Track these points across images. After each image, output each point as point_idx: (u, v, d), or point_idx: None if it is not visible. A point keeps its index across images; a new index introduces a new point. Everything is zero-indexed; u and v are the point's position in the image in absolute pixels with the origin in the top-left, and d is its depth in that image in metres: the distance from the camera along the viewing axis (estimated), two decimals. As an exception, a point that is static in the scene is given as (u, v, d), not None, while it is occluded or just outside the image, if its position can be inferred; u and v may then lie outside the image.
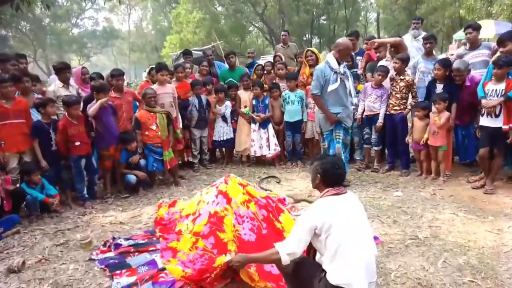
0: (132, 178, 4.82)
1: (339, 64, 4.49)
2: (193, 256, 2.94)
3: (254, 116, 5.86)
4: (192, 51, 10.39)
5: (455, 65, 4.82)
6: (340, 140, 4.68)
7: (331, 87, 4.46)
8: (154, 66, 6.03)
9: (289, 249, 2.14)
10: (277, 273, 2.66)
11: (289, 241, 2.19)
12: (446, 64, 4.82)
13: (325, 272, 2.12)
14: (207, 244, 2.99)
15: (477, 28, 5.10)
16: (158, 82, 5.32)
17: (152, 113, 4.95)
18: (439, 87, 4.85)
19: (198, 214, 3.29)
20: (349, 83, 4.58)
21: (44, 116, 4.37)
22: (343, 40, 4.72)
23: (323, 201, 2.24)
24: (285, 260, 2.14)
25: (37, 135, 4.29)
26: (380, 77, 5.13)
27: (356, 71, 5.74)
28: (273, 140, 5.82)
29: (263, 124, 5.86)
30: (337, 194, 2.24)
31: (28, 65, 6.62)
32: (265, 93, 5.94)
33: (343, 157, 4.57)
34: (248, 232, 3.03)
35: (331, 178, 2.30)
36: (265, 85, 6.03)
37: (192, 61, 7.05)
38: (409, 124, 5.32)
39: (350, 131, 4.84)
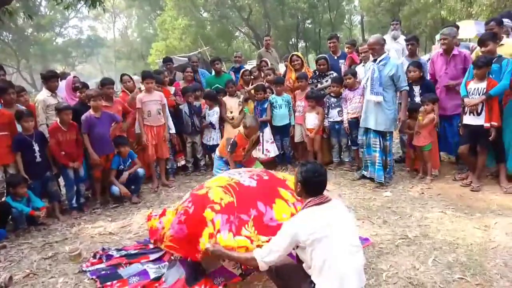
0: (116, 190, 4.77)
1: (375, 61, 4.67)
2: (173, 220, 2.78)
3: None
4: (178, 58, 10.37)
5: (442, 30, 4.99)
6: (377, 149, 4.76)
7: (362, 82, 4.88)
8: (125, 74, 6.05)
9: (267, 258, 2.15)
10: (275, 225, 2.58)
11: (268, 250, 2.17)
12: (419, 65, 4.93)
13: (314, 284, 2.09)
14: (185, 204, 2.78)
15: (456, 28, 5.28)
16: (145, 90, 5.31)
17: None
18: (416, 89, 4.95)
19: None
20: (369, 80, 4.63)
21: (23, 129, 4.30)
22: (370, 38, 4.91)
23: (306, 213, 2.19)
24: (263, 266, 2.15)
25: (18, 148, 4.22)
26: (349, 80, 5.25)
27: (332, 73, 5.80)
28: (266, 146, 5.80)
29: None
30: (320, 203, 2.19)
31: (12, 76, 6.49)
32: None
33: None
34: (247, 180, 2.87)
35: (312, 187, 2.24)
36: (251, 91, 6.04)
37: (173, 68, 7.03)
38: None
39: (388, 136, 4.76)
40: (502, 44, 4.55)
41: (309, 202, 2.22)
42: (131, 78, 5.77)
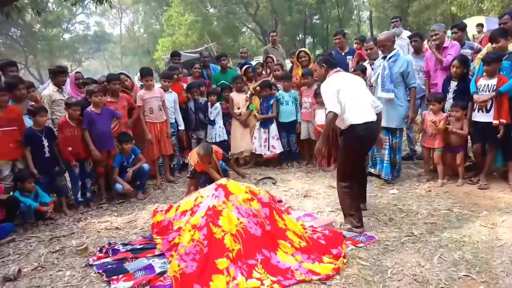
0: (119, 187, 4.80)
1: (384, 57, 4.60)
2: (189, 249, 2.94)
3: (257, 114, 5.87)
4: (184, 54, 10.35)
5: (432, 27, 4.99)
6: (387, 146, 4.66)
7: (372, 79, 4.88)
8: (122, 72, 6.00)
9: (332, 104, 3.28)
10: (283, 268, 2.82)
11: (328, 104, 3.32)
12: (464, 61, 4.61)
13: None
14: (200, 235, 2.99)
15: (463, 28, 5.27)
16: (145, 87, 5.34)
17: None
18: (453, 85, 4.66)
19: (198, 207, 3.34)
20: (379, 77, 4.57)
21: (35, 124, 4.35)
22: (381, 34, 4.86)
23: (333, 77, 3.51)
24: (338, 110, 3.26)
25: (28, 143, 4.27)
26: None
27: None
28: (272, 142, 5.80)
29: (264, 124, 5.84)
30: (338, 71, 3.56)
31: (20, 71, 6.54)
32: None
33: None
34: (253, 226, 3.09)
35: (331, 62, 3.63)
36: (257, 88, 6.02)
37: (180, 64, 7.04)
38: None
39: (397, 133, 4.71)
40: None
41: (331, 72, 3.56)
42: (128, 77, 5.77)
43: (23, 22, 28.51)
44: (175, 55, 7.21)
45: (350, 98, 3.36)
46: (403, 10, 20.93)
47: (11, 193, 4.12)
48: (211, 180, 4.28)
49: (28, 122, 4.42)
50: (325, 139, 3.47)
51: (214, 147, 4.64)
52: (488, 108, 4.21)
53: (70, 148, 4.48)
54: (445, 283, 2.59)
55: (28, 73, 32.10)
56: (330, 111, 3.27)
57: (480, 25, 8.99)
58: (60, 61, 35.16)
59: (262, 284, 2.67)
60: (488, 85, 4.21)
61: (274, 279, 2.71)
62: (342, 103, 3.30)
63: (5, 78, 4.67)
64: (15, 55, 30.28)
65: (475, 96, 4.30)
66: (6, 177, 4.17)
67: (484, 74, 4.26)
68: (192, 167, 4.49)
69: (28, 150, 4.27)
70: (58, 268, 3.19)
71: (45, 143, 4.35)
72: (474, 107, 4.34)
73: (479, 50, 5.32)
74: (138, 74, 6.52)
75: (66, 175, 4.79)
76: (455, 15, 15.83)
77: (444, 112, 4.65)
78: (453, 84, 4.67)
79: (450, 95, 4.69)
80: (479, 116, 4.30)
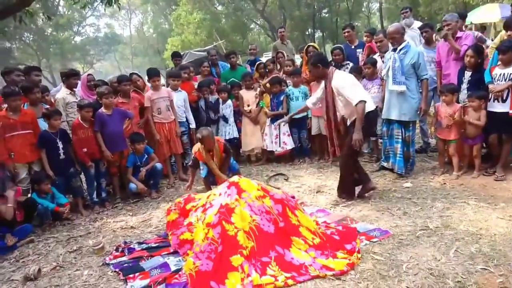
0: (133, 186, 4.86)
1: (394, 50, 4.53)
2: (204, 247, 2.97)
3: (267, 111, 5.86)
4: (194, 52, 10.39)
5: (445, 16, 4.95)
6: (399, 140, 4.63)
7: (383, 72, 4.86)
8: (134, 72, 6.05)
9: (359, 95, 3.65)
10: (297, 264, 2.83)
11: (357, 97, 3.62)
12: (479, 50, 4.51)
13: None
14: (215, 234, 3.01)
15: (463, 17, 5.31)
16: (152, 88, 5.38)
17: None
18: (467, 75, 4.56)
19: (210, 205, 3.35)
20: (390, 69, 4.52)
21: (50, 126, 4.44)
22: (390, 27, 4.77)
23: (338, 73, 3.86)
24: (366, 98, 3.68)
25: (43, 145, 4.35)
26: (368, 70, 5.13)
27: (348, 63, 5.69)
28: (283, 138, 5.78)
29: (275, 120, 5.78)
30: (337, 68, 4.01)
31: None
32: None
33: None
34: (266, 223, 3.09)
35: (325, 61, 3.98)
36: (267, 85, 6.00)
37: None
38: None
39: (410, 127, 4.63)
40: None
41: (332, 69, 3.88)
42: (140, 77, 5.82)
43: (35, 26, 28.94)
44: (175, 55, 7.23)
45: (362, 88, 3.84)
46: (413, 1, 20.52)
47: (29, 195, 4.22)
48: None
49: (43, 125, 4.50)
50: (361, 130, 3.68)
51: (216, 137, 4.68)
52: (504, 97, 4.12)
53: (85, 149, 4.56)
54: (462, 277, 2.55)
55: (41, 76, 32.64)
56: (361, 101, 3.61)
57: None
58: (72, 64, 35.65)
59: (276, 280, 2.68)
60: (504, 74, 4.12)
61: (288, 275, 2.72)
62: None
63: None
64: (29, 59, 30.86)
65: (490, 86, 4.20)
66: (23, 180, 4.25)
67: (499, 63, 4.17)
68: (193, 156, 4.56)
69: (44, 153, 4.35)
70: (76, 267, 3.25)
71: (60, 145, 4.43)
72: (490, 97, 4.25)
73: (480, 39, 5.23)
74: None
75: (81, 176, 4.87)
76: (468, 3, 15.46)
77: (458, 103, 4.57)
78: (467, 75, 4.57)
79: (464, 86, 4.59)
80: (495, 106, 4.21)
